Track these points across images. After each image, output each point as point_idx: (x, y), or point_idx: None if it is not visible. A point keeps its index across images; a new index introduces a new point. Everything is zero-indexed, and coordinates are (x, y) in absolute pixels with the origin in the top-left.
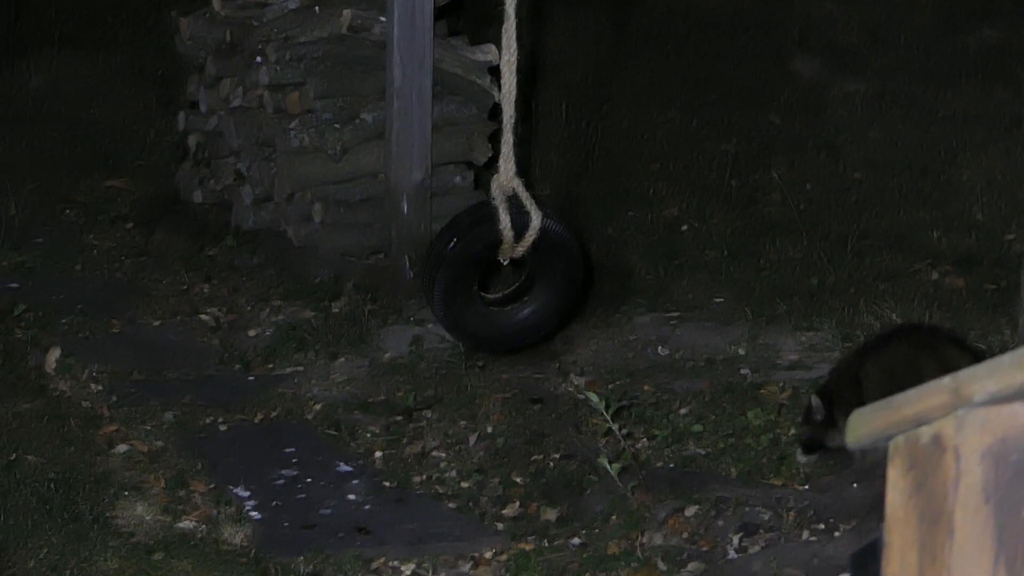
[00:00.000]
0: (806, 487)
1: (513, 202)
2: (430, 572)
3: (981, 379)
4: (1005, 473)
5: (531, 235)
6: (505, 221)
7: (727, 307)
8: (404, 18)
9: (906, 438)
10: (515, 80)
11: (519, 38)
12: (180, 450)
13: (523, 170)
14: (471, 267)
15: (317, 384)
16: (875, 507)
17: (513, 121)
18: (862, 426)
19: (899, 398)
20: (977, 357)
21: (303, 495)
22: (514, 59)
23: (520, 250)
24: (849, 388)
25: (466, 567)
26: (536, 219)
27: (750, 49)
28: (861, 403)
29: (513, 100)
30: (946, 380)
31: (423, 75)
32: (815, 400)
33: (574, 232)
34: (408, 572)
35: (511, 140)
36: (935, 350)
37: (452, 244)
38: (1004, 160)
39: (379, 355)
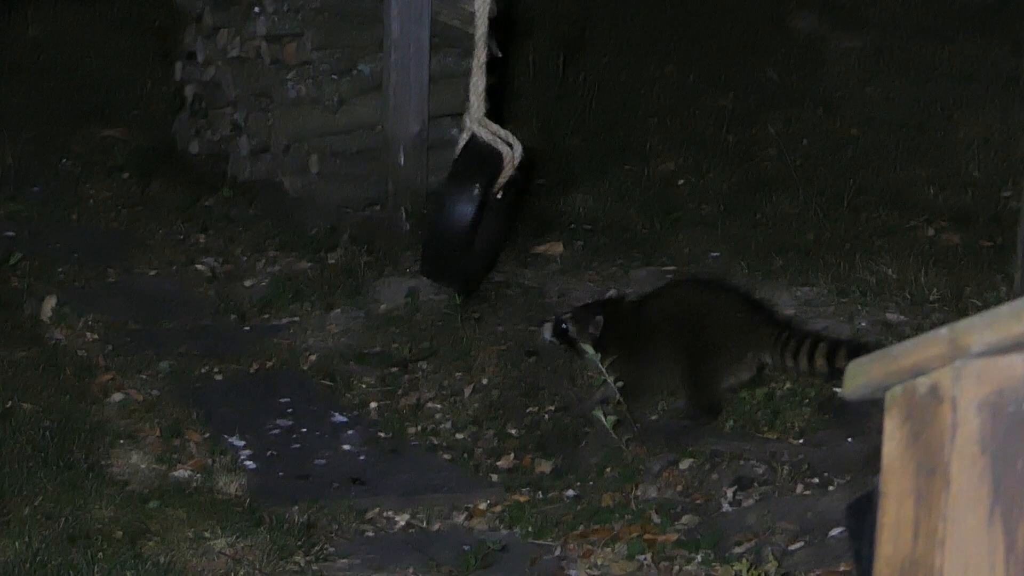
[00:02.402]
0: (801, 441)
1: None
2: (424, 523)
3: (979, 330)
4: (1002, 424)
5: (517, 157)
6: (506, 149)
7: (723, 262)
8: None
9: (903, 388)
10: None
11: None
12: (175, 399)
13: (520, 124)
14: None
15: (313, 335)
16: (870, 462)
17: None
18: (860, 376)
19: (896, 348)
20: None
21: (298, 445)
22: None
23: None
24: (629, 331)
25: (460, 518)
26: (517, 142)
27: (748, 4)
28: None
29: (485, 39)
30: (944, 331)
31: (421, 27)
32: (600, 318)
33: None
34: (402, 523)
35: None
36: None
37: (479, 190)
38: (1001, 117)
39: (375, 306)
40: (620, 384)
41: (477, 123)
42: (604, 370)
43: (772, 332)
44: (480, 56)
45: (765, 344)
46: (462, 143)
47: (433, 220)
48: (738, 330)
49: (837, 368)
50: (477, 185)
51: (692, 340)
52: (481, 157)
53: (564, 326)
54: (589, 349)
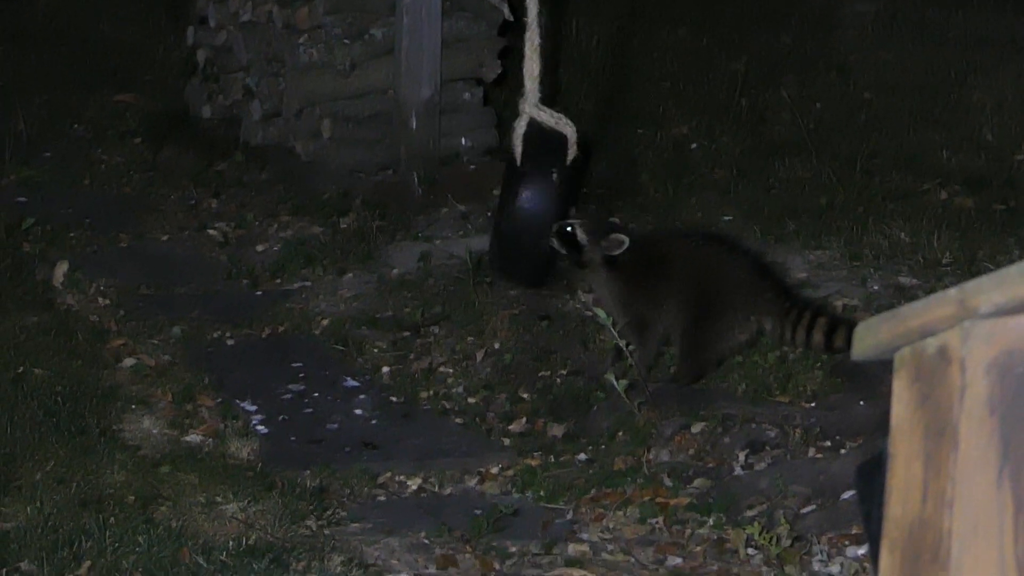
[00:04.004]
0: (813, 404)
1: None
2: (436, 487)
3: (987, 290)
4: (1011, 385)
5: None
6: (569, 131)
7: (736, 226)
8: None
9: (912, 350)
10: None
11: None
12: (187, 364)
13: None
14: None
15: (325, 299)
16: (882, 425)
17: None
18: (869, 337)
19: (905, 309)
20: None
21: (310, 410)
22: None
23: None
24: (645, 262)
25: (472, 482)
26: (572, 123)
27: None
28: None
29: (537, 21)
30: (953, 291)
31: None
32: (624, 238)
33: None
34: (414, 487)
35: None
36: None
37: (556, 176)
38: (1015, 81)
39: (387, 271)
40: (627, 320)
41: (534, 108)
42: (614, 333)
43: (779, 300)
44: (533, 39)
45: (770, 311)
46: (520, 130)
47: (510, 213)
48: (747, 291)
49: (834, 346)
50: (553, 171)
51: (702, 292)
52: (549, 142)
53: (569, 229)
54: (601, 313)
